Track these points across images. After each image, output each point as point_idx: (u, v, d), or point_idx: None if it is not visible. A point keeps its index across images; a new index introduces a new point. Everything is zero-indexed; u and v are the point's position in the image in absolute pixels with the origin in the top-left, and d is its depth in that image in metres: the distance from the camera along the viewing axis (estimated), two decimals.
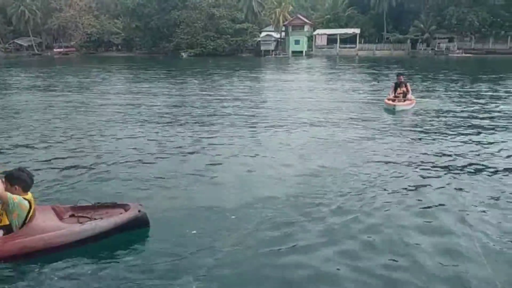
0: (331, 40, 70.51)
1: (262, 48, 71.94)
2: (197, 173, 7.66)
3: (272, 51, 71.67)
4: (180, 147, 9.54)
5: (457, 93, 19.18)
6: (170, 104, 16.65)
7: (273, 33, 75.38)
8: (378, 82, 25.29)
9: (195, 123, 12.45)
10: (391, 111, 13.81)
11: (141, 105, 16.25)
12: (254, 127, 11.79)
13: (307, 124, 12.17)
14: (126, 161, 8.37)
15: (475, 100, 16.75)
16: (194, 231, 5.35)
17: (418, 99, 15.74)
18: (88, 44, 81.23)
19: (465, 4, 61.78)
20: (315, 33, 72.34)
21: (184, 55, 69.65)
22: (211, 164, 8.17)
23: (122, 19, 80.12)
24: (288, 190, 6.71)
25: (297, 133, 10.89)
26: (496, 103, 16.03)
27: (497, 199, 6.36)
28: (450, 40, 64.89)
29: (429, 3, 63.79)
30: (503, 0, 59.35)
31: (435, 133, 10.81)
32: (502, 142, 9.77)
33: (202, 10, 70.94)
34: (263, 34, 75.45)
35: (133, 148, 9.41)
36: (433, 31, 64.31)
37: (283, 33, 75.16)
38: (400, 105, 14.04)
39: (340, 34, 69.67)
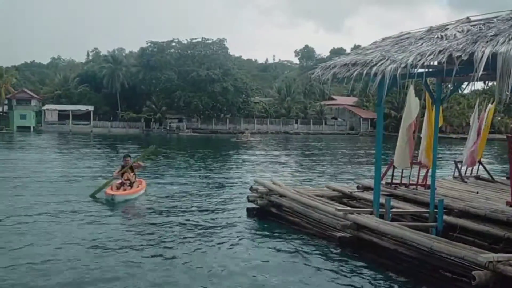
0: (63, 116, 67.42)
1: None
2: None
3: None
4: None
5: (186, 171, 20.64)
6: None
7: None
8: (111, 161, 24.97)
9: None
10: (111, 202, 11.89)
11: None
12: None
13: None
14: None
15: (198, 176, 18.51)
16: None
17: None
18: None
19: (190, 89, 69.42)
20: (44, 108, 67.80)
21: None
22: None
23: None
24: None
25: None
26: (215, 176, 18.15)
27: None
28: (180, 120, 71.22)
29: (159, 86, 68.97)
30: (220, 88, 69.26)
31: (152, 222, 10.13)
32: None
33: None
34: None
35: None
36: (164, 112, 69.32)
37: (6, 107, 67.51)
38: (121, 194, 12.19)
39: (73, 111, 67.46)
